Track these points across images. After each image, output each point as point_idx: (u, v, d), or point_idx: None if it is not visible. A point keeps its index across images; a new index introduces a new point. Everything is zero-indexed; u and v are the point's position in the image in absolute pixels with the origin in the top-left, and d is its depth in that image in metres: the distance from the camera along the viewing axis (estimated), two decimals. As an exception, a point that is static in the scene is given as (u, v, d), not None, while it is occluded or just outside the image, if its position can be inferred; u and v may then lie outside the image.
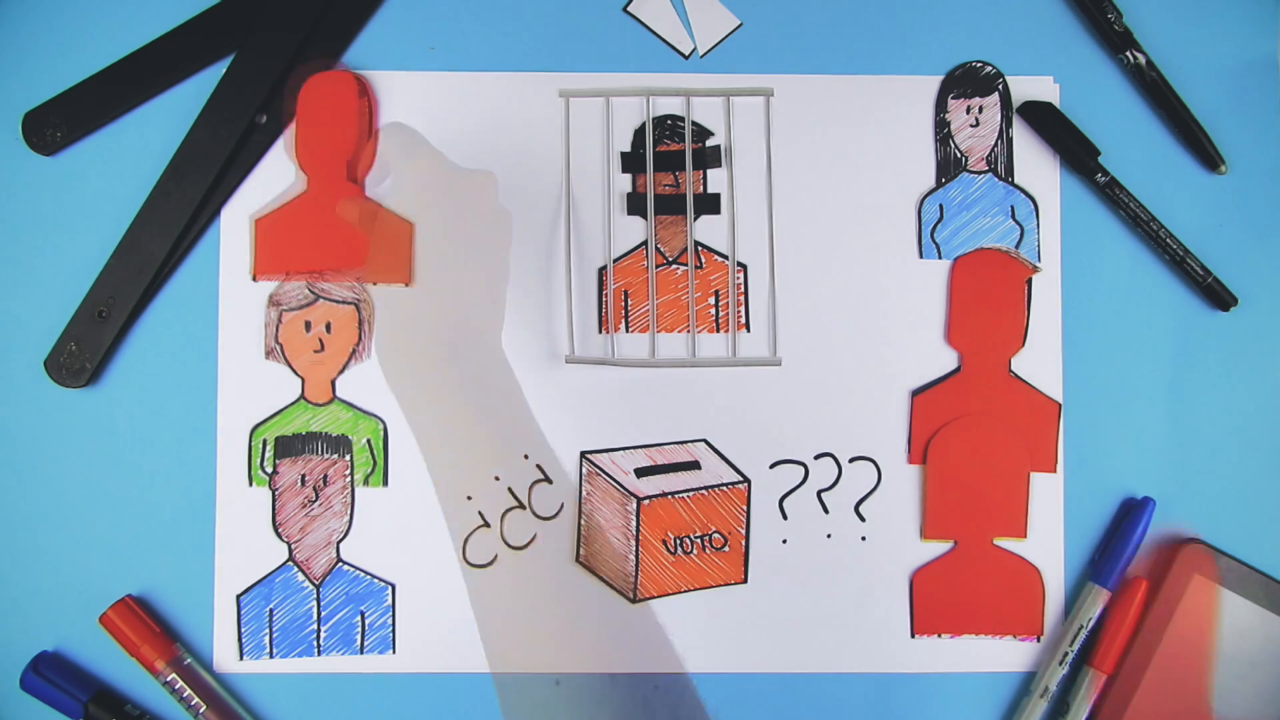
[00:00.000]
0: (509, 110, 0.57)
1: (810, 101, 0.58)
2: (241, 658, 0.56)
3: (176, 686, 0.53)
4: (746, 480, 0.57)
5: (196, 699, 0.54)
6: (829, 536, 0.57)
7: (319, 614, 0.56)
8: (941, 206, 0.57)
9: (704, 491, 0.56)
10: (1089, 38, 0.58)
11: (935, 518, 0.57)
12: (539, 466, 0.57)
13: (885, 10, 0.58)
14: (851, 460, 0.57)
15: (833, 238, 0.57)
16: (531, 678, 0.55)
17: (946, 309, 0.57)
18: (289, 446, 0.56)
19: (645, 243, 0.58)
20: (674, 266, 0.58)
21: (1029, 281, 0.57)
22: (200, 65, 0.57)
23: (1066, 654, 0.55)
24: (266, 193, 0.57)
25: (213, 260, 0.57)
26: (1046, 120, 0.57)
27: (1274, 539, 0.57)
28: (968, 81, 0.58)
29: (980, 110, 0.58)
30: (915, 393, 0.57)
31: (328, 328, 0.56)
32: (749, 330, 0.57)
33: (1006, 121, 0.58)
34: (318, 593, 0.56)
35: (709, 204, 0.58)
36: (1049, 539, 0.57)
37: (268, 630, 0.56)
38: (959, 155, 0.58)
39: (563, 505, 0.57)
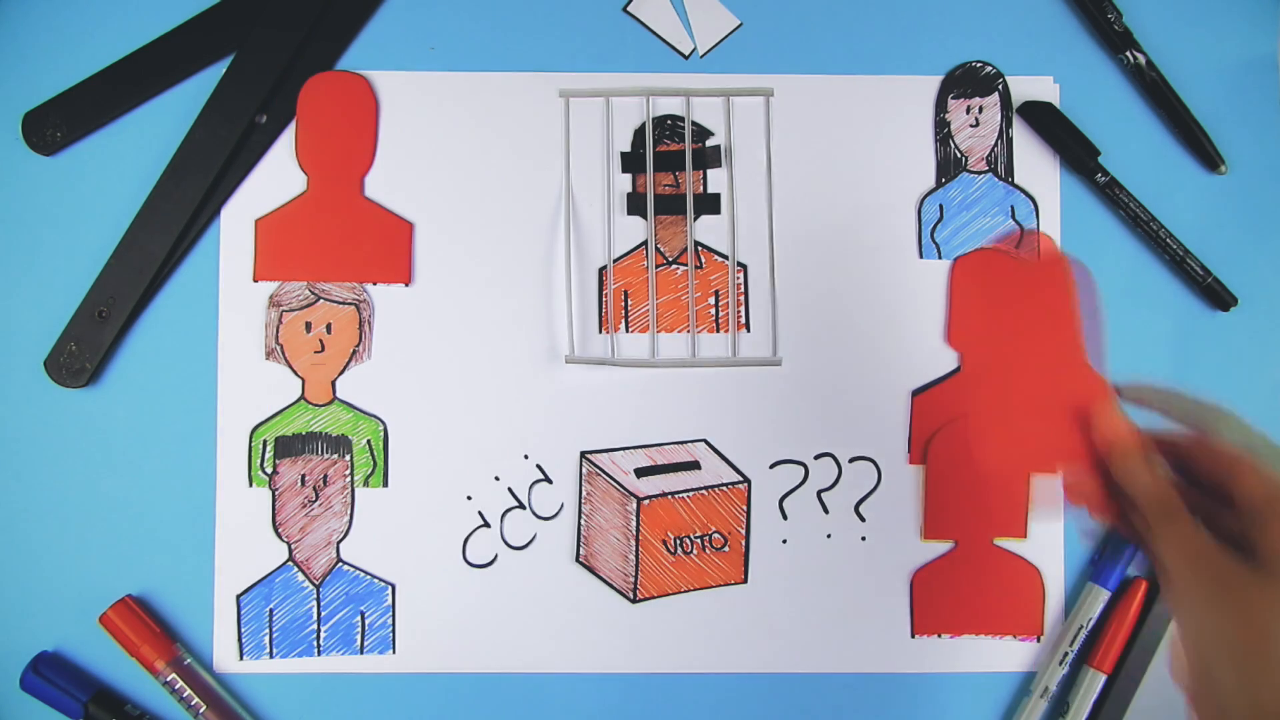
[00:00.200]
0: (509, 110, 0.57)
1: (810, 101, 0.58)
2: (241, 658, 0.56)
3: (176, 686, 0.53)
4: (746, 480, 0.57)
5: (196, 699, 0.53)
6: (829, 536, 0.57)
7: (319, 614, 0.56)
8: (941, 206, 0.57)
9: (704, 491, 0.56)
10: (1089, 38, 0.58)
11: (935, 518, 0.57)
12: (539, 466, 0.57)
13: (885, 10, 0.58)
14: (851, 460, 0.57)
15: (833, 238, 0.57)
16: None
17: (946, 309, 0.57)
18: (289, 447, 0.56)
19: (645, 243, 0.58)
20: (674, 266, 0.58)
21: (1029, 281, 0.57)
22: (200, 65, 0.57)
23: (1066, 654, 0.55)
24: (267, 193, 0.57)
25: (213, 260, 0.57)
26: (1046, 120, 0.57)
27: (1274, 539, 0.56)
28: (968, 81, 0.58)
29: (980, 110, 0.58)
30: (915, 393, 0.57)
31: (328, 328, 0.56)
32: (749, 330, 0.57)
33: (1006, 121, 0.58)
34: (318, 593, 0.56)
35: (709, 204, 0.58)
36: (1049, 539, 0.57)
37: (268, 630, 0.56)
38: (959, 155, 0.58)
39: (563, 505, 0.57)
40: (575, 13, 0.58)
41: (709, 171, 0.58)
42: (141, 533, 0.56)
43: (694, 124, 0.58)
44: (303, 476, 0.56)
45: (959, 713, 0.56)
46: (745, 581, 0.57)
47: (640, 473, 0.56)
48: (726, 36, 0.58)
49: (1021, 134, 0.58)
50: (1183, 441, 0.42)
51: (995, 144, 0.58)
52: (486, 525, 0.56)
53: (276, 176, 0.57)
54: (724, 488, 0.56)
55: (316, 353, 0.56)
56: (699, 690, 0.56)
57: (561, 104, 0.57)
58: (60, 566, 0.56)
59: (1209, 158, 0.57)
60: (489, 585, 0.56)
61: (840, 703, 0.56)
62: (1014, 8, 0.58)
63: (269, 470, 0.56)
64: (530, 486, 0.56)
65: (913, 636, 0.57)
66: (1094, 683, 0.55)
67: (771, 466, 0.57)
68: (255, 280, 0.56)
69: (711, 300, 0.57)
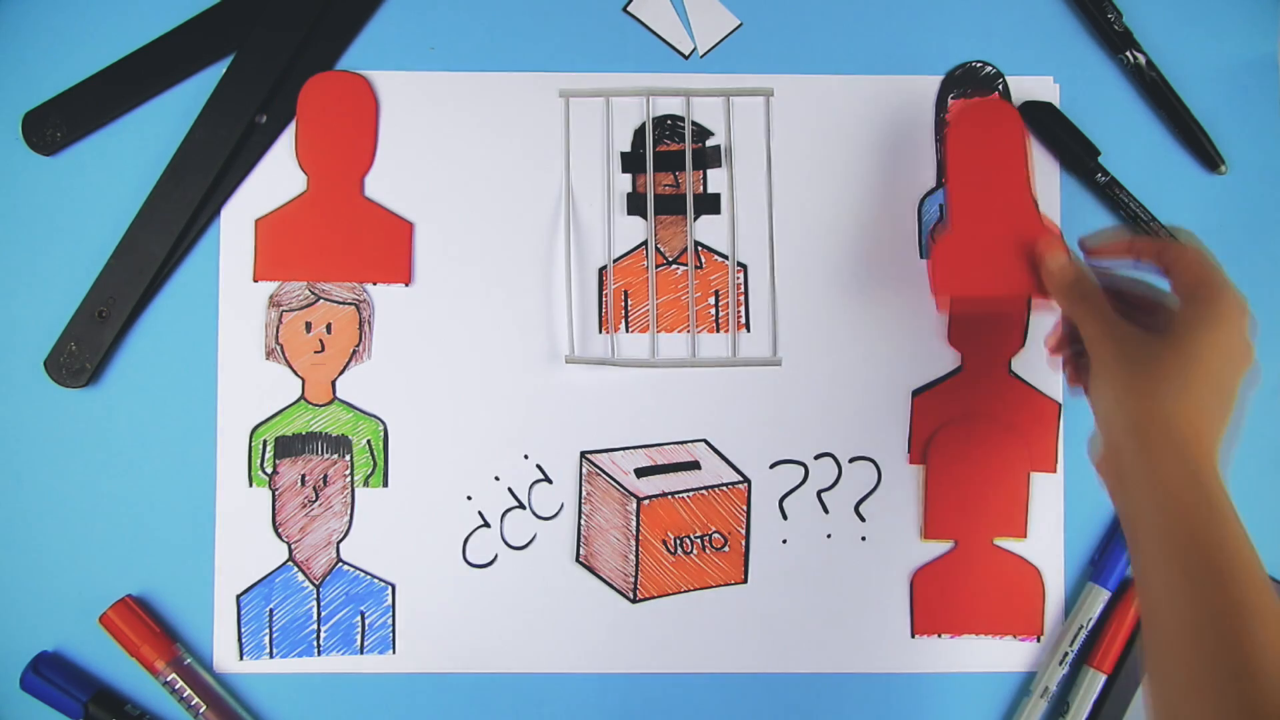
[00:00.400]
0: (509, 110, 0.57)
1: (810, 101, 0.58)
2: (241, 658, 0.56)
3: (176, 686, 0.53)
4: (746, 480, 0.57)
5: (196, 699, 0.53)
6: (829, 536, 0.57)
7: (319, 614, 0.56)
8: (942, 206, 0.57)
9: (704, 491, 0.56)
10: (1089, 38, 0.58)
11: (935, 518, 0.57)
12: (539, 466, 0.57)
13: (885, 10, 0.58)
14: (851, 460, 0.57)
15: (833, 238, 0.57)
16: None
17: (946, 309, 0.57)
18: (289, 447, 0.56)
19: (645, 243, 0.58)
20: (674, 266, 0.58)
21: (1029, 281, 0.57)
22: (200, 65, 0.57)
23: (1066, 654, 0.55)
24: (267, 193, 0.57)
25: (213, 260, 0.57)
26: (1046, 120, 0.57)
27: (1274, 539, 0.56)
28: (968, 81, 0.58)
29: (980, 110, 0.58)
30: (915, 393, 0.57)
31: (328, 328, 0.56)
32: (749, 330, 0.57)
33: (1006, 121, 0.58)
34: (318, 593, 0.56)
35: (709, 204, 0.58)
36: (1049, 539, 0.57)
37: (268, 630, 0.56)
38: (959, 155, 0.58)
39: (563, 505, 0.57)
40: (575, 13, 0.58)
41: (709, 171, 0.58)
42: (141, 533, 0.56)
43: (694, 124, 0.58)
44: (303, 476, 0.56)
45: (959, 713, 0.56)
46: (745, 581, 0.57)
47: (640, 473, 0.56)
48: (726, 36, 0.58)
49: (1021, 134, 0.58)
50: (1126, 250, 0.49)
51: (995, 144, 0.58)
52: (486, 525, 0.56)
53: (276, 176, 0.57)
54: (724, 488, 0.56)
55: (316, 353, 0.56)
56: (699, 690, 0.56)
57: (561, 104, 0.57)
58: (60, 566, 0.56)
59: (1209, 158, 0.57)
60: (489, 585, 0.56)
61: (840, 703, 0.56)
62: (1014, 8, 0.58)
63: (269, 470, 0.56)
64: (530, 486, 0.56)
65: (913, 636, 0.57)
66: (1094, 683, 0.55)
67: (771, 466, 0.57)
68: (255, 280, 0.56)
69: (711, 300, 0.57)
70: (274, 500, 0.56)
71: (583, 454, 0.57)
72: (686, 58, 0.58)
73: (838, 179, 0.57)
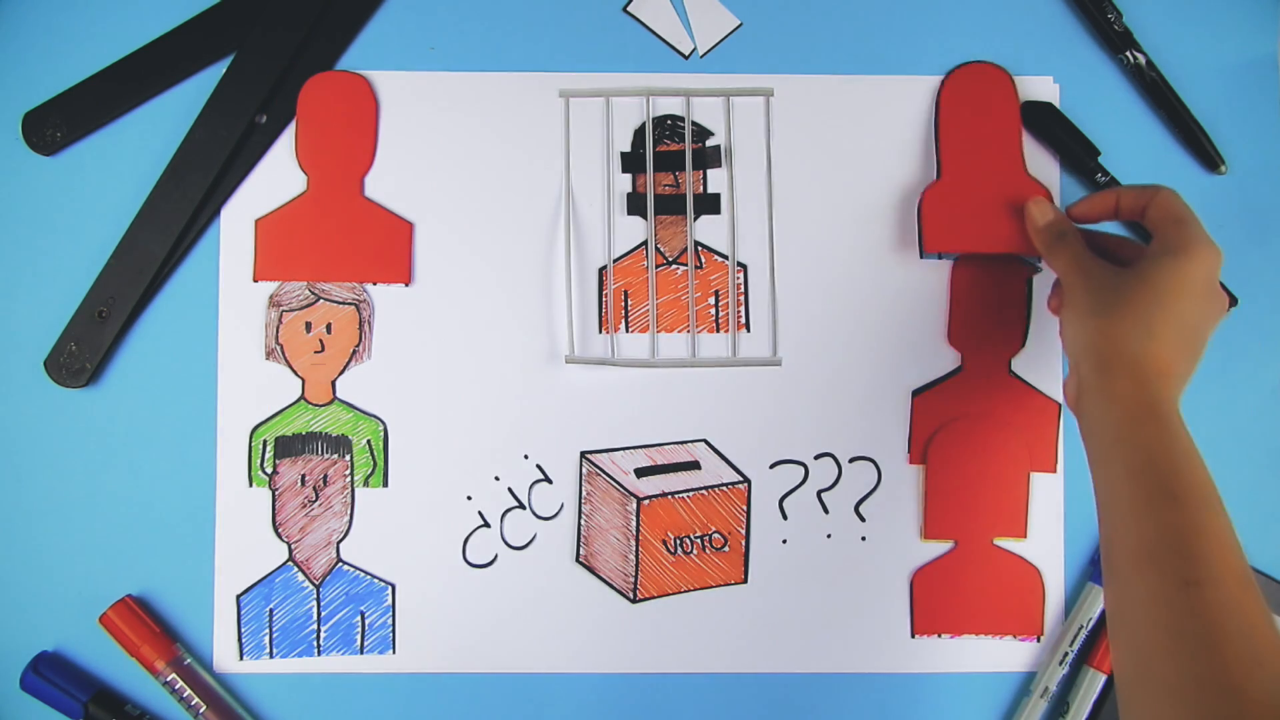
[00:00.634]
0: (509, 110, 0.57)
1: (810, 101, 0.58)
2: (241, 658, 0.56)
3: (176, 686, 0.53)
4: (746, 480, 0.57)
5: (196, 699, 0.53)
6: (829, 536, 0.57)
7: (319, 614, 0.56)
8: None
9: (704, 491, 0.56)
10: (1089, 38, 0.58)
11: (935, 518, 0.57)
12: (539, 466, 0.57)
13: (885, 10, 0.58)
14: (851, 460, 0.57)
15: (833, 238, 0.57)
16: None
17: (947, 309, 0.57)
18: (289, 447, 0.56)
19: (645, 243, 0.58)
20: (674, 266, 0.58)
21: (1029, 282, 0.57)
22: (200, 65, 0.57)
23: (1066, 654, 0.55)
24: (267, 193, 0.57)
25: (213, 260, 0.57)
26: (1046, 120, 0.57)
27: (1274, 539, 0.57)
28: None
29: (980, 110, 0.58)
30: (916, 393, 0.57)
31: (328, 328, 0.56)
32: (749, 330, 0.57)
33: (1006, 121, 0.58)
34: (318, 593, 0.56)
35: (709, 204, 0.58)
36: (1049, 539, 0.57)
37: (268, 630, 0.56)
38: (959, 155, 0.58)
39: (563, 505, 0.57)
40: (575, 13, 0.58)
41: (709, 171, 0.58)
42: (141, 533, 0.56)
43: (694, 124, 0.58)
44: (303, 476, 0.56)
45: (959, 713, 0.56)
46: (745, 581, 0.57)
47: (640, 473, 0.56)
48: (726, 36, 0.58)
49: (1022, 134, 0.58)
50: (1113, 205, 0.51)
51: (995, 144, 0.58)
52: (486, 525, 0.56)
53: (276, 176, 0.57)
54: (724, 488, 0.56)
55: (316, 353, 0.56)
56: (699, 690, 0.56)
57: (561, 104, 0.57)
58: (60, 566, 0.56)
59: (1209, 158, 0.57)
60: (489, 585, 0.56)
61: (840, 703, 0.56)
62: (1014, 8, 0.58)
63: (269, 470, 0.56)
64: (530, 486, 0.56)
65: (913, 636, 0.57)
66: (1094, 683, 0.55)
67: (771, 466, 0.57)
68: (255, 280, 0.57)
69: (711, 300, 0.57)
70: (274, 500, 0.56)
71: (583, 454, 0.57)
72: (686, 58, 0.58)
73: (838, 179, 0.57)
